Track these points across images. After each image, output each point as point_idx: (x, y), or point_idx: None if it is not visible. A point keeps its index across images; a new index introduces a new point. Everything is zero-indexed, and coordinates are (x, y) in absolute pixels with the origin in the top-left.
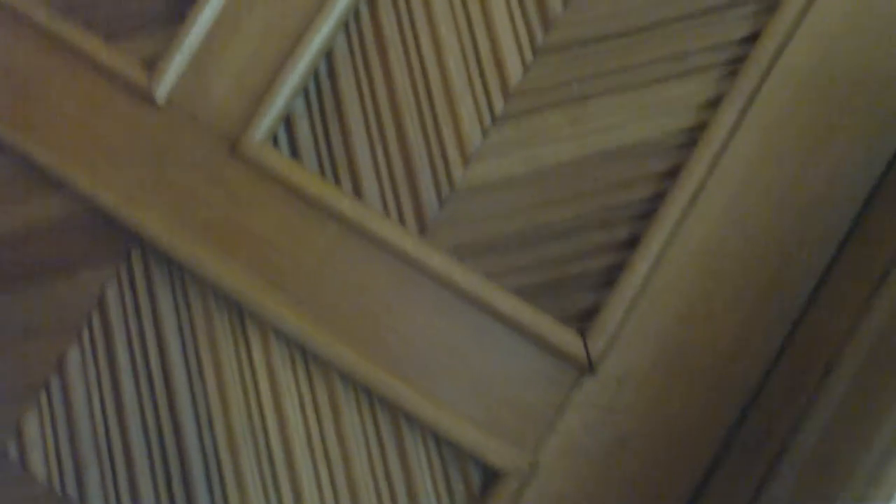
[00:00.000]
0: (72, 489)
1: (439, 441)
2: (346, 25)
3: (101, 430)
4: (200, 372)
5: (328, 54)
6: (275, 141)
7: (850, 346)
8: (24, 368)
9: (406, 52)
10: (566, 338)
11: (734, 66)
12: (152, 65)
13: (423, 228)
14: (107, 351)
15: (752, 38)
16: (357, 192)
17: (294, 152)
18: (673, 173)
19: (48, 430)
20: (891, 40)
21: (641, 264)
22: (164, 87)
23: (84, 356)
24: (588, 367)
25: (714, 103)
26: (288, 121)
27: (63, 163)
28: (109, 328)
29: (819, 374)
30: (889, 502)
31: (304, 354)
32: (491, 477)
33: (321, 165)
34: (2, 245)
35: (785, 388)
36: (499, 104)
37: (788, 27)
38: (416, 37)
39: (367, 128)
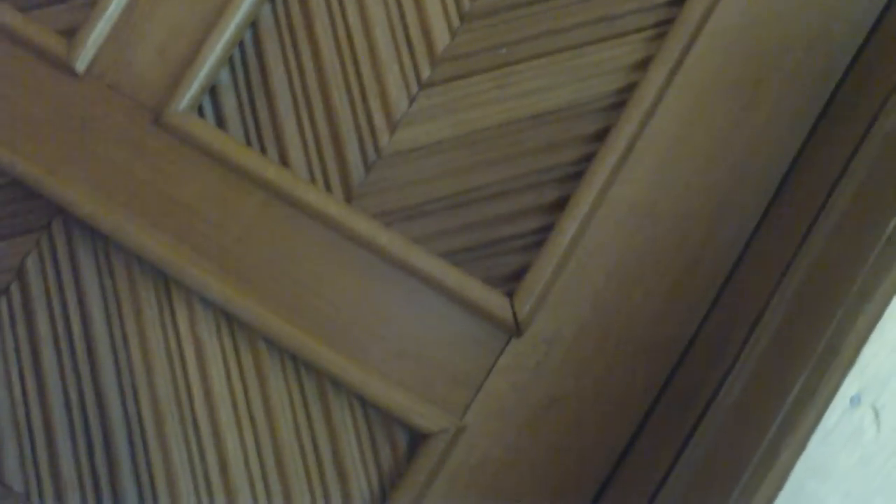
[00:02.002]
0: None
1: (366, 405)
2: None
3: (19, 402)
4: (125, 341)
5: (253, 24)
6: (200, 111)
7: (771, 303)
8: None
9: (332, 20)
10: (493, 300)
11: (663, 28)
12: (71, 35)
13: (349, 195)
14: (26, 322)
15: (680, 0)
16: (283, 160)
17: (220, 122)
18: (602, 135)
19: None
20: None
21: (569, 225)
22: (84, 57)
23: (2, 328)
24: (515, 330)
25: (643, 65)
26: (213, 91)
27: None
28: (29, 299)
29: (744, 332)
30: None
31: (229, 322)
32: (417, 440)
33: (247, 135)
34: None
35: (712, 349)
36: (426, 70)
37: None
38: (342, 5)
39: (293, 96)
